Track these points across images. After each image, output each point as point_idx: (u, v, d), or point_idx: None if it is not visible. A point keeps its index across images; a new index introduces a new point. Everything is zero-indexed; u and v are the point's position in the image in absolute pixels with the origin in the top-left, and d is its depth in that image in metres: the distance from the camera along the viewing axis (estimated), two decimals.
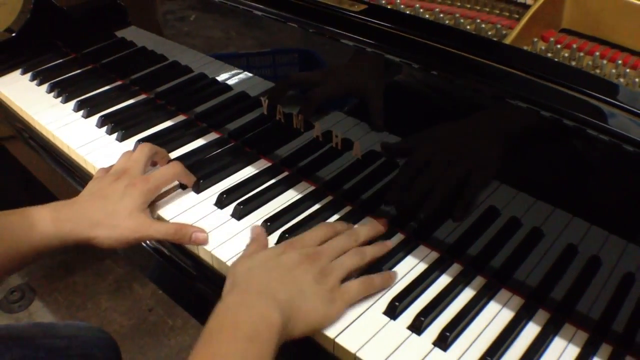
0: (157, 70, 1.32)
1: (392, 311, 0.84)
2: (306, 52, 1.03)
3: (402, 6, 1.06)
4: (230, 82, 1.17)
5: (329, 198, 1.04)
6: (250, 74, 1.12)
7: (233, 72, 1.15)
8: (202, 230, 0.95)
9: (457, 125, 0.88)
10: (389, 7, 1.06)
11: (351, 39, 0.90)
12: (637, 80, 0.90)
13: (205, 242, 0.94)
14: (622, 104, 0.71)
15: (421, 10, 1.04)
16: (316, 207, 1.02)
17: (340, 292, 0.83)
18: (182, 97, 1.28)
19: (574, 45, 0.96)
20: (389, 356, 0.78)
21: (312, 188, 1.06)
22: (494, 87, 0.80)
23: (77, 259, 2.15)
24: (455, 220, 0.90)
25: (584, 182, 0.79)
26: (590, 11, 1.04)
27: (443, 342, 0.80)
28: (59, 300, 2.02)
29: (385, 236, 0.96)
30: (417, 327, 0.82)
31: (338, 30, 0.91)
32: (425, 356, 0.79)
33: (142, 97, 1.34)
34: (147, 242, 1.00)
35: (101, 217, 0.93)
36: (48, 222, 0.91)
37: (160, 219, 1.00)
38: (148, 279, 1.38)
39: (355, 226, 0.96)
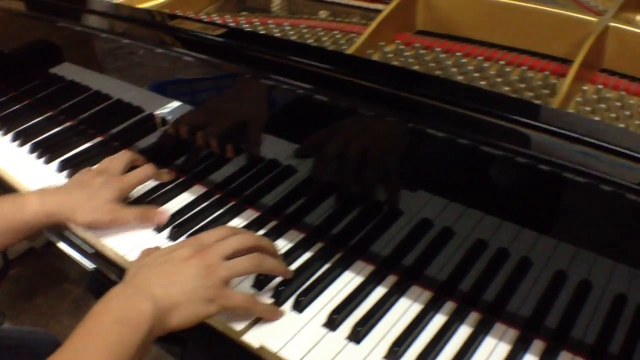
0: (80, 100, 1.45)
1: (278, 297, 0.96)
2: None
3: (272, 26, 1.20)
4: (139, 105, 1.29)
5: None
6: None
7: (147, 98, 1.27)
8: (164, 213, 1.12)
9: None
10: (261, 27, 1.20)
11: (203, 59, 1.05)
12: (470, 68, 1.03)
13: (165, 221, 1.10)
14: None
15: (288, 27, 1.18)
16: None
17: (221, 294, 0.85)
18: (100, 121, 1.42)
19: (416, 44, 1.09)
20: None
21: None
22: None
23: (40, 283, 2.31)
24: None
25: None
26: (442, 11, 1.16)
27: (331, 324, 0.91)
28: (26, 321, 2.16)
29: (306, 247, 1.05)
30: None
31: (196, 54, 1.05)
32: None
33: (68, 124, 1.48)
34: None
35: (82, 202, 1.08)
36: (36, 203, 1.06)
37: None
38: None
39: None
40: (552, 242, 0.82)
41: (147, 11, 1.26)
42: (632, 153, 0.73)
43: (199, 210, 1.14)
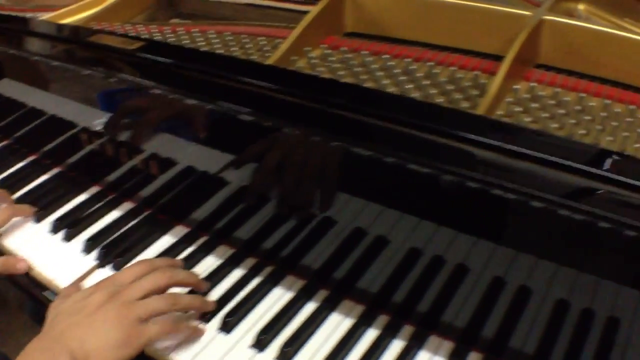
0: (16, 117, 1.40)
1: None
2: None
3: (196, 34, 1.16)
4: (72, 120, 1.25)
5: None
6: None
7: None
8: (23, 260, 1.08)
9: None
10: (185, 36, 1.16)
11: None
12: (398, 71, 1.00)
13: (25, 270, 1.07)
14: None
15: (212, 35, 1.15)
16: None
17: (137, 333, 0.84)
18: (34, 139, 1.37)
19: (343, 48, 1.05)
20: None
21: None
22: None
23: None
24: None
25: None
26: (370, 11, 1.11)
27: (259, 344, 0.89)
28: None
29: (236, 263, 1.02)
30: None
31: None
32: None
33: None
34: None
35: None
36: None
37: None
38: None
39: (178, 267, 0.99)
40: (489, 247, 0.80)
41: (68, 28, 1.22)
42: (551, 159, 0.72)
43: (128, 229, 1.11)
